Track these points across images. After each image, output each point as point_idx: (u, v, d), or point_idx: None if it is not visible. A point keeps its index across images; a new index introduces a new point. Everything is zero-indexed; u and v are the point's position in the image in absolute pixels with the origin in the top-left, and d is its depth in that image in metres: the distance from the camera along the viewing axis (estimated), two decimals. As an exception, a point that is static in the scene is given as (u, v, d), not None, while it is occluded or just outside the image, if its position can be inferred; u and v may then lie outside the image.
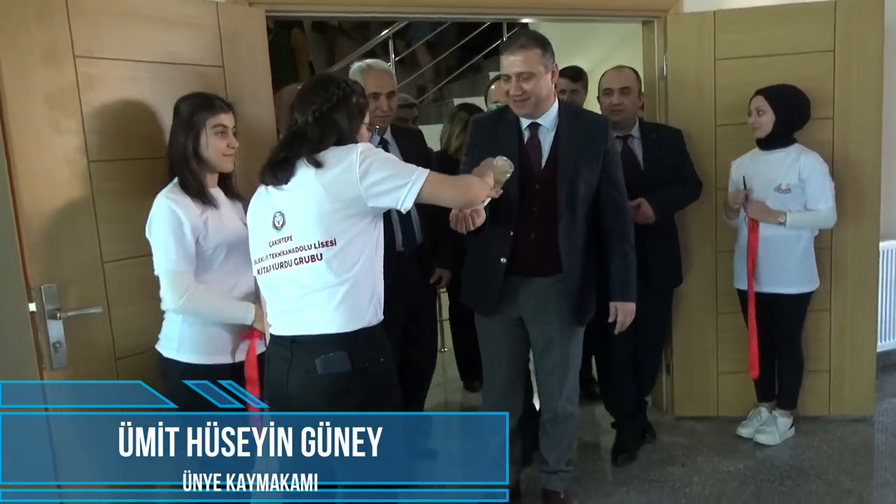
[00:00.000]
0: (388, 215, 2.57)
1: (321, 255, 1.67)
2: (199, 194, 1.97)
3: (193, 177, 1.97)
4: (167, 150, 2.03)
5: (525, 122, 2.35)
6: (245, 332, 2.02)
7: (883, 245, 3.37)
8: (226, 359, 2.01)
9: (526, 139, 2.35)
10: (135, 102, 2.17)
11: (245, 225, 1.98)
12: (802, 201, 2.91)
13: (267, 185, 1.78)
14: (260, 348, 2.02)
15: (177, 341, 2.00)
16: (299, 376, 1.70)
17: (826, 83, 3.07)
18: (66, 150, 2.02)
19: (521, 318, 2.42)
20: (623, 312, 2.41)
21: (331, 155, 1.70)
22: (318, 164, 1.68)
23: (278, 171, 1.73)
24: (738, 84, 3.01)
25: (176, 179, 1.99)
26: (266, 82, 2.56)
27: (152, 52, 2.22)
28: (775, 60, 3.07)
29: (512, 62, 2.23)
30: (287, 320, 1.74)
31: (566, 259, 2.32)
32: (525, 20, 3.69)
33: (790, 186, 2.89)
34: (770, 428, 3.11)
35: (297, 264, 1.69)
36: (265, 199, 1.78)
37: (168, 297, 1.94)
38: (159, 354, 2.03)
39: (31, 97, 1.94)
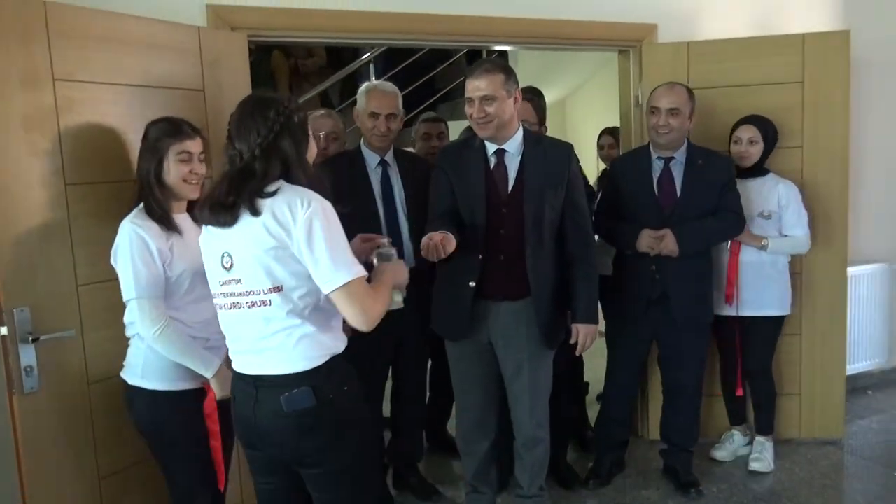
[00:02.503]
0: (377, 233, 2.58)
1: (270, 300, 1.63)
2: (163, 220, 1.95)
3: (157, 202, 1.96)
4: (136, 173, 2.03)
5: (491, 149, 2.38)
6: (204, 381, 1.99)
7: (850, 270, 3.45)
8: (191, 384, 1.98)
9: (492, 165, 2.38)
10: (114, 125, 2.17)
11: None
12: (778, 227, 2.97)
13: (206, 224, 1.71)
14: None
15: (141, 368, 1.97)
16: (267, 413, 1.66)
17: (795, 113, 3.16)
18: (43, 172, 2.02)
19: (490, 343, 2.43)
20: (584, 334, 2.43)
21: (279, 200, 1.60)
22: (256, 213, 1.59)
23: (223, 214, 1.63)
24: (712, 113, 3.07)
25: (142, 204, 1.98)
26: (246, 106, 2.57)
27: (133, 75, 2.23)
28: (747, 90, 3.15)
29: (476, 86, 2.27)
30: (248, 360, 1.70)
31: (534, 282, 2.35)
32: (504, 48, 3.75)
33: (771, 213, 2.95)
34: (762, 455, 3.11)
35: (249, 307, 1.65)
36: (214, 234, 1.70)
37: (142, 325, 1.91)
38: (124, 382, 2.01)
39: (9, 119, 1.94)
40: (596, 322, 2.47)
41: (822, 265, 3.23)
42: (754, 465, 3.10)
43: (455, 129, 3.53)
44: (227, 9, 2.62)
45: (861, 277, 3.87)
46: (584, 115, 6.04)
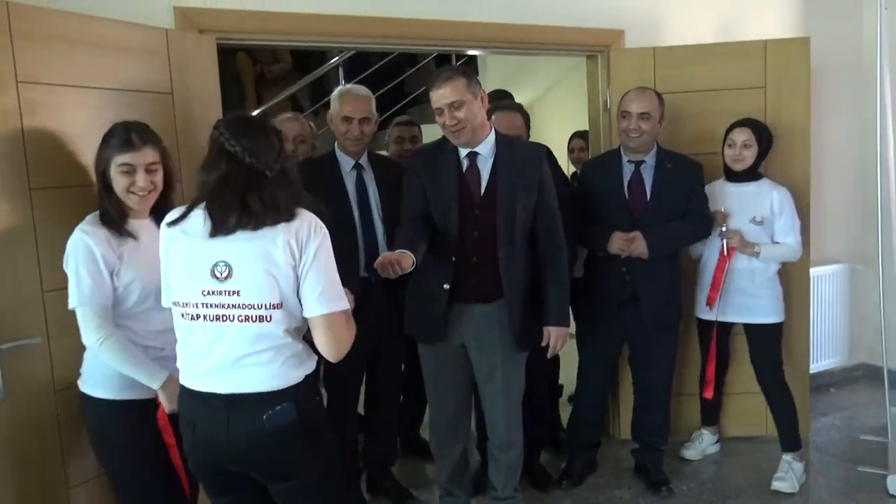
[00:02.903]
0: (352, 238, 2.59)
1: (271, 316, 1.59)
2: (115, 225, 1.91)
3: (107, 210, 1.92)
4: None
5: (464, 151, 2.39)
6: (155, 393, 1.92)
7: (812, 271, 3.53)
8: (138, 394, 1.91)
9: (465, 168, 2.39)
10: (79, 129, 2.12)
11: None
12: (770, 233, 2.96)
13: (195, 231, 1.62)
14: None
15: (89, 376, 1.94)
16: (244, 433, 1.60)
17: (758, 117, 3.20)
18: (7, 176, 1.97)
19: (463, 346, 2.44)
20: (556, 337, 2.45)
21: (299, 220, 1.61)
22: (289, 219, 1.60)
23: (245, 218, 1.58)
24: (677, 117, 3.13)
25: (98, 210, 1.94)
26: (216, 109, 2.54)
27: (99, 78, 2.19)
28: (712, 95, 3.22)
29: (441, 95, 2.27)
30: (220, 377, 1.62)
31: (507, 284, 2.36)
32: (473, 52, 3.76)
33: (763, 218, 2.93)
34: (787, 475, 2.97)
35: (241, 321, 1.59)
36: (201, 240, 1.61)
37: (85, 333, 1.86)
38: (77, 390, 1.97)
39: (-29, 122, 1.89)
40: (567, 325, 2.49)
41: (786, 265, 3.28)
42: (776, 485, 2.94)
43: (426, 132, 3.54)
44: (195, 11, 2.59)
45: (822, 277, 3.97)
46: (553, 118, 6.10)
